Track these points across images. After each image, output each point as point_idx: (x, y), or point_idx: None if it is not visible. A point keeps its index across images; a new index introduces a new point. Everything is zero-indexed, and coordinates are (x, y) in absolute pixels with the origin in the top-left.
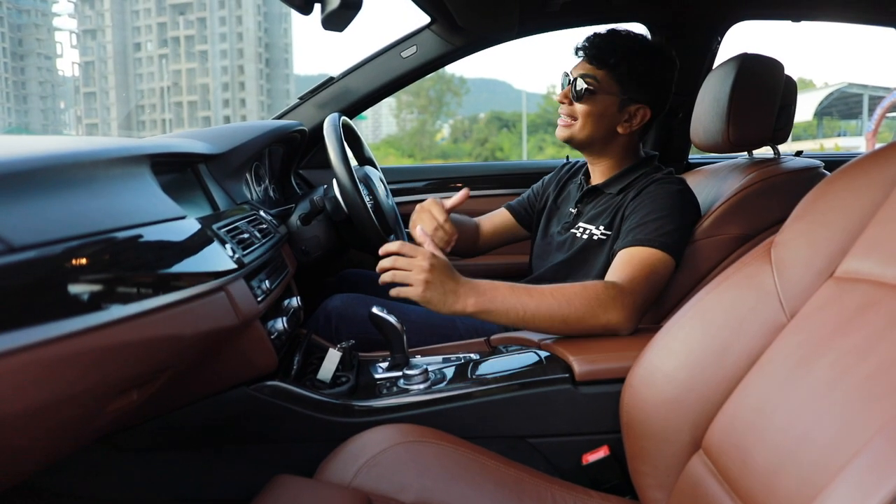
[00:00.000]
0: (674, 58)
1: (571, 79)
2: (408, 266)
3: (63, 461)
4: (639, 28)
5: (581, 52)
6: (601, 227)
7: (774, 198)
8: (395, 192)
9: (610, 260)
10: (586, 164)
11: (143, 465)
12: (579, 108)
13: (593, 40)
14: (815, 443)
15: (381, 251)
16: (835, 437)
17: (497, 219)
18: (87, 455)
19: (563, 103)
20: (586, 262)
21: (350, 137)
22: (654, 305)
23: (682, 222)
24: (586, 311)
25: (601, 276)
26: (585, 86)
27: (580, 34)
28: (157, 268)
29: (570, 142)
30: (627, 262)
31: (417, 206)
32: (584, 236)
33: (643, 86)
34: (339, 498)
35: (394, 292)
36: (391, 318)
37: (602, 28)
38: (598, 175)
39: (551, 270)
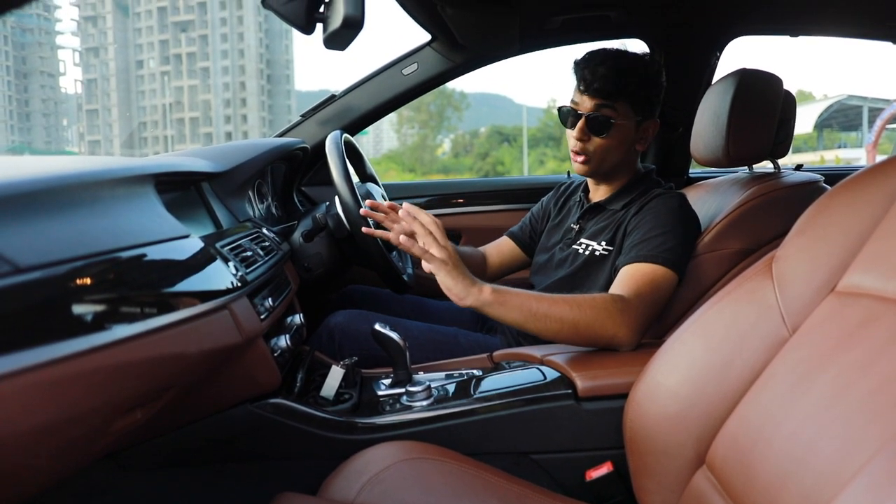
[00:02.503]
0: (661, 65)
1: (585, 114)
2: (429, 232)
3: (67, 480)
4: (637, 44)
5: (588, 88)
6: (603, 243)
7: (775, 212)
8: None
9: (612, 275)
10: (585, 180)
11: (147, 484)
12: (599, 141)
13: (599, 72)
14: (819, 458)
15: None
16: (838, 453)
17: (503, 248)
18: (90, 474)
19: (581, 140)
20: (588, 277)
21: (352, 154)
22: (656, 320)
23: (684, 238)
24: (596, 320)
25: (603, 291)
26: (606, 119)
27: (581, 50)
28: (160, 287)
29: (592, 174)
30: (632, 278)
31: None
32: (586, 252)
33: (651, 101)
34: None
35: (414, 249)
36: (394, 335)
37: (595, 50)
38: (600, 192)
39: (553, 287)
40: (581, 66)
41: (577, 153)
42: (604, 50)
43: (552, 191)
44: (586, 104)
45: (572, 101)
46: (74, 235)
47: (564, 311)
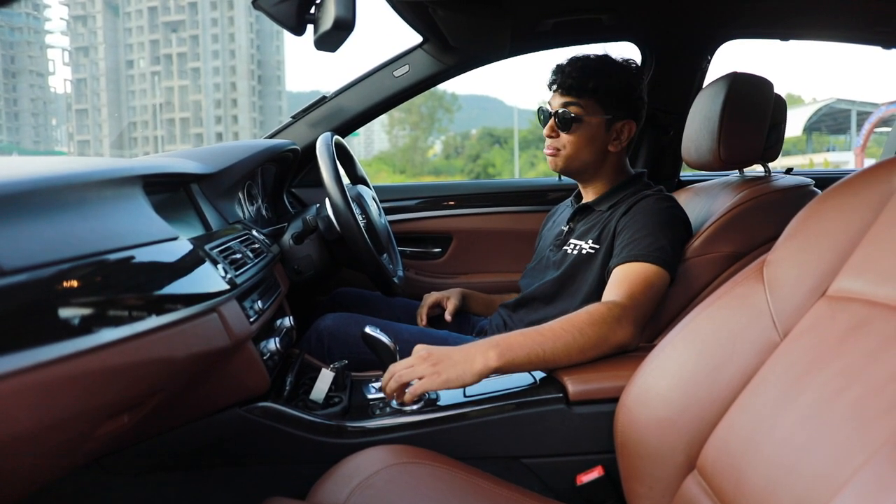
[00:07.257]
0: (640, 68)
1: (553, 111)
2: (408, 365)
3: (53, 485)
4: (628, 47)
5: (556, 86)
6: (590, 241)
7: (766, 216)
8: (388, 211)
9: (600, 275)
10: (577, 186)
11: (134, 488)
12: (568, 137)
13: (566, 71)
14: (810, 464)
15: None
16: (829, 459)
17: None
18: (77, 478)
19: (551, 137)
20: (576, 277)
21: (343, 156)
22: (651, 319)
23: (673, 237)
24: (598, 337)
25: (592, 291)
26: (571, 115)
27: (572, 53)
28: (149, 290)
29: (565, 171)
30: (625, 279)
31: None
32: (575, 252)
33: (622, 101)
34: None
35: (410, 393)
36: (384, 338)
37: (566, 56)
38: (589, 194)
39: (542, 288)
40: (554, 68)
41: (548, 148)
42: (577, 54)
43: (545, 219)
44: (556, 102)
45: (548, 102)
46: (61, 237)
47: (568, 341)
